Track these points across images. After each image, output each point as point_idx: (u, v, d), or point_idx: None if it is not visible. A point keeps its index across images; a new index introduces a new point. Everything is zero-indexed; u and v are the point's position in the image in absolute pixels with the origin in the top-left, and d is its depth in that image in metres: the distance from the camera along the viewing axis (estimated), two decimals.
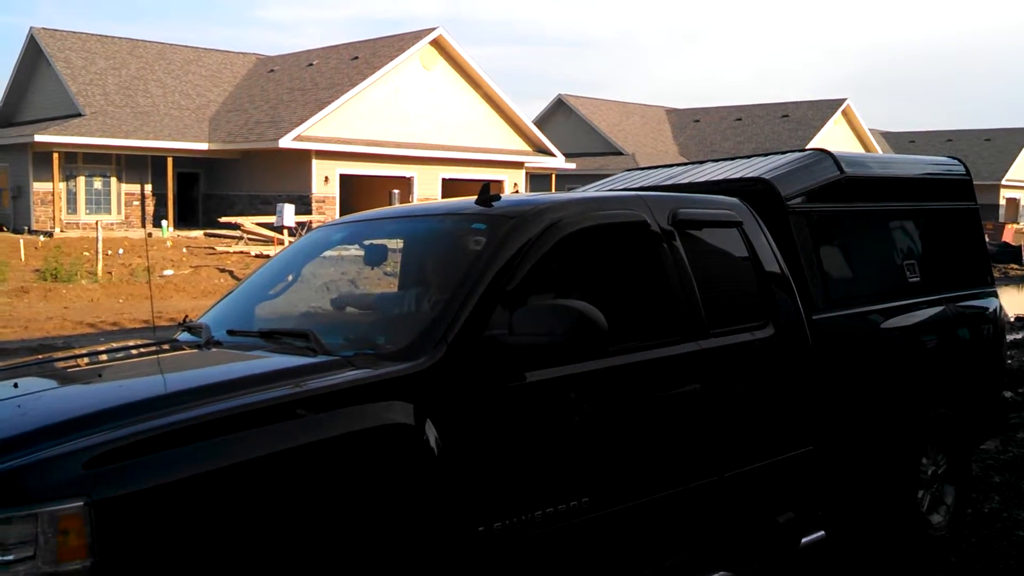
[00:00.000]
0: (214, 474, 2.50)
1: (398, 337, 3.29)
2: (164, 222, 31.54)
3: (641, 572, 3.62)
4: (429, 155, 33.34)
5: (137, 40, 37.63)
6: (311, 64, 36.24)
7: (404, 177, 33.39)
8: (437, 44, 33.71)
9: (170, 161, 32.16)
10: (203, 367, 3.39)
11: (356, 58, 34.30)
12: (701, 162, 5.57)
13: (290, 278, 4.29)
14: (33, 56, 35.84)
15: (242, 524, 2.53)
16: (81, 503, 2.32)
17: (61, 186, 31.55)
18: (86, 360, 3.64)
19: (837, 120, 46.94)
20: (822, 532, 4.38)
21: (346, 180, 32.20)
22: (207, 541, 2.47)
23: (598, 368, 3.44)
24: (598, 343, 3.13)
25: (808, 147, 5.37)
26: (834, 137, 44.83)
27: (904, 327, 5.00)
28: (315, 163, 31.27)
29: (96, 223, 24.77)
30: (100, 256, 22.23)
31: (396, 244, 4.31)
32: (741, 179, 4.78)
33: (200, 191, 35.66)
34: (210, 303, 4.33)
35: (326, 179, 31.46)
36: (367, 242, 4.19)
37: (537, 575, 3.28)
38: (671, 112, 53.90)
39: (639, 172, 5.82)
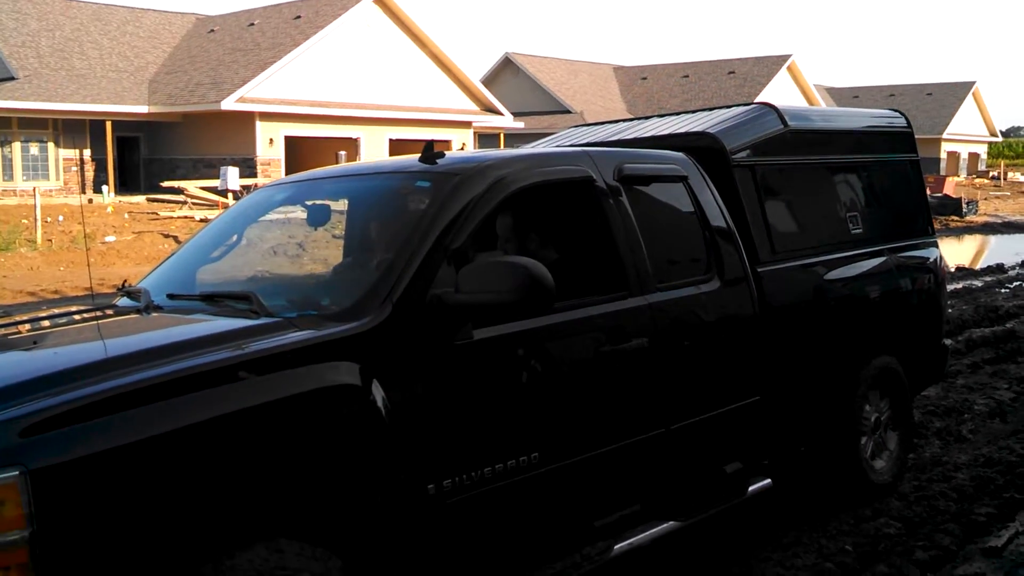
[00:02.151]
0: (153, 440, 2.45)
1: (342, 298, 3.24)
2: (105, 188, 30.79)
3: (591, 524, 3.65)
4: (375, 115, 32.90)
5: (71, 1, 36.47)
6: (252, 24, 35.44)
7: (351, 138, 32.95)
8: (381, 2, 33.15)
9: (109, 125, 31.32)
10: (142, 332, 3.32)
11: (299, 17, 33.61)
12: (647, 117, 5.56)
13: (232, 240, 4.21)
14: None
15: (184, 490, 2.49)
16: (16, 472, 2.26)
17: None
18: (21, 327, 3.54)
19: (782, 76, 47.23)
20: (768, 480, 4.46)
21: (292, 142, 31.68)
22: (149, 508, 2.43)
23: (545, 324, 3.44)
24: (543, 300, 3.12)
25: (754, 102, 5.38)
26: (780, 92, 45.11)
27: (847, 278, 5.07)
28: (259, 125, 30.69)
29: (33, 190, 24.07)
30: (39, 223, 21.68)
31: (341, 205, 4.25)
32: (686, 134, 4.79)
33: (141, 155, 34.85)
34: None
35: (271, 141, 30.91)
36: (309, 203, 4.12)
37: (489, 530, 3.30)
38: (619, 70, 53.77)
39: (585, 128, 5.79)
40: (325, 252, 3.87)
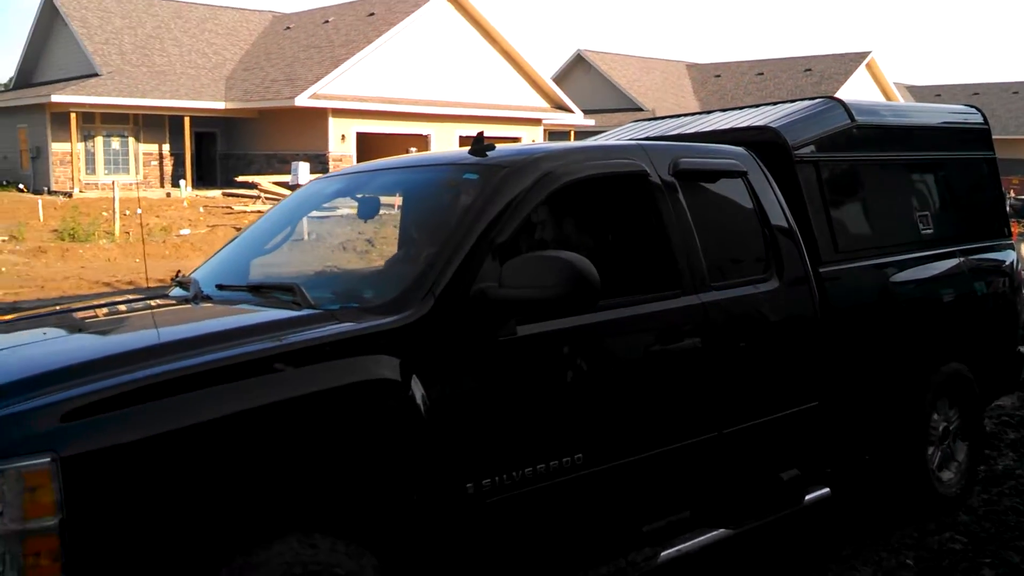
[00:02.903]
0: (187, 431, 2.44)
1: (386, 291, 3.20)
2: (182, 182, 31.55)
3: (638, 529, 3.55)
4: (446, 112, 33.08)
5: None
6: (327, 21, 35.93)
7: (421, 135, 33.20)
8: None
9: (187, 120, 32.08)
10: (184, 322, 3.33)
11: (372, 14, 33.96)
12: (709, 112, 5.41)
13: (285, 231, 4.20)
14: (49, 16, 35.74)
15: (215, 481, 2.47)
16: (48, 459, 2.26)
17: (79, 146, 31.59)
18: (71, 315, 3.58)
19: (861, 73, 46.11)
20: (827, 489, 4.30)
21: (363, 138, 32.03)
22: (180, 499, 2.41)
23: (593, 322, 3.35)
24: (588, 296, 3.03)
25: None
26: (858, 90, 44.06)
27: (916, 280, 4.86)
28: (331, 121, 31.12)
29: (112, 183, 24.76)
30: (117, 216, 22.27)
31: (391, 199, 4.22)
32: (747, 128, 4.64)
33: (218, 150, 35.60)
34: None
35: (343, 137, 31.31)
36: (359, 195, 4.09)
37: (529, 532, 3.22)
38: (692, 67, 53.15)
39: (646, 123, 5.67)
40: (375, 245, 3.83)
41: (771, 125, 4.51)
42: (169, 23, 36.36)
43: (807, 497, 4.17)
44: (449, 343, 3.01)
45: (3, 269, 16.36)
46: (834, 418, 4.31)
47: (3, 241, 19.73)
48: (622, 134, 5.43)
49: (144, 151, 33.88)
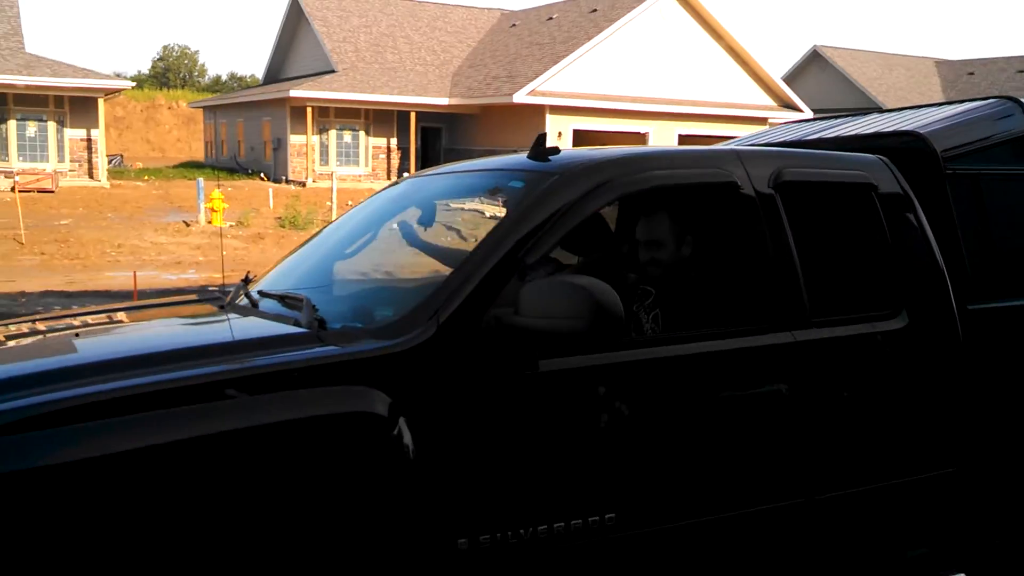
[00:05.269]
0: (104, 459, 2.19)
1: (395, 311, 2.84)
2: (406, 174, 32.68)
3: None
4: (665, 110, 32.28)
5: None
6: (551, 18, 36.06)
7: (639, 132, 32.62)
8: None
9: (413, 116, 33.20)
10: (172, 334, 3.13)
11: (595, 11, 33.71)
12: (865, 111, 4.66)
13: (362, 237, 3.93)
14: (295, 16, 38.14)
15: (136, 518, 2.20)
16: None
17: (314, 139, 33.48)
18: (78, 320, 3.41)
19: None
20: (963, 575, 3.54)
21: (580, 135, 31.86)
22: (96, 534, 2.17)
23: (638, 359, 2.86)
24: (608, 331, 2.55)
25: None
26: None
27: None
28: (549, 118, 31.15)
29: (331, 174, 26.02)
30: (335, 205, 23.32)
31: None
32: (890, 134, 3.91)
33: (442, 145, 36.65)
34: None
35: (559, 134, 31.26)
36: (417, 203, 3.76)
37: None
38: (941, 64, 49.12)
39: (796, 124, 4.99)
40: (426, 257, 3.50)
41: (917, 130, 3.76)
42: (402, 21, 37.82)
43: None
44: (452, 375, 2.62)
45: (225, 252, 17.46)
46: (975, 488, 3.53)
47: (231, 226, 21.11)
48: (761, 138, 4.79)
49: (373, 144, 35.40)
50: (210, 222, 21.11)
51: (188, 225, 21.17)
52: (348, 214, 3.99)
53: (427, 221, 3.65)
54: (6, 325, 3.27)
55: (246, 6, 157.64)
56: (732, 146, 3.75)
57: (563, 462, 2.75)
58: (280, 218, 22.52)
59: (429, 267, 3.77)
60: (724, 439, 3.00)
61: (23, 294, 12.26)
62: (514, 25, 38.13)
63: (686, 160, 3.30)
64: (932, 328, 3.45)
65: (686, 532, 2.93)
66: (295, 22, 38.42)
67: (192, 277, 14.41)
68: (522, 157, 3.30)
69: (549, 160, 3.18)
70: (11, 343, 2.98)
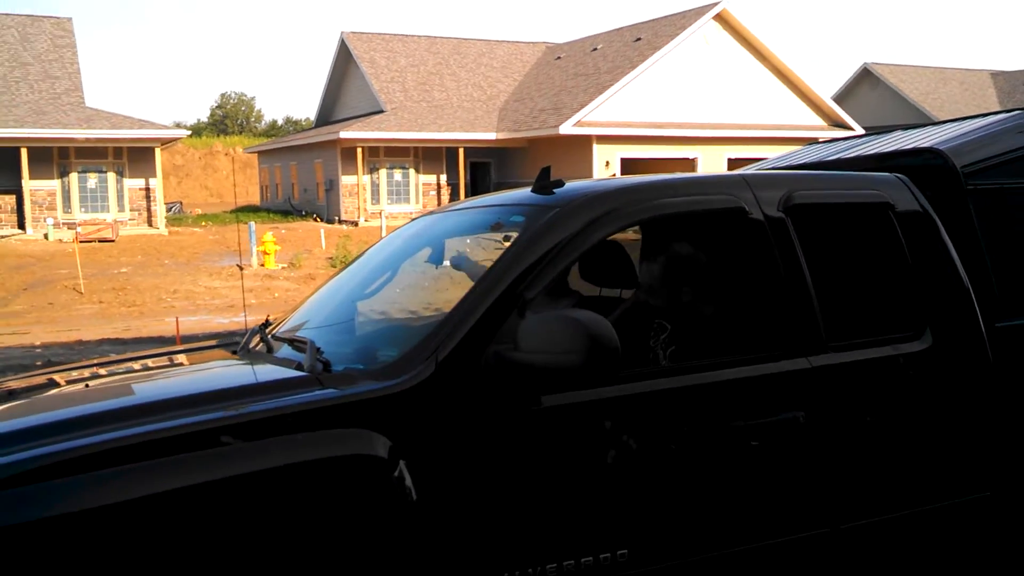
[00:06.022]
0: (98, 512, 2.21)
1: (396, 352, 2.84)
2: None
3: None
4: (713, 134, 32.12)
5: (434, 37, 39.64)
6: (595, 48, 36.21)
7: (687, 158, 32.47)
8: (721, 19, 32.36)
9: (461, 152, 33.51)
10: (173, 381, 3.15)
11: (639, 39, 33.78)
12: (890, 129, 4.58)
13: (380, 277, 3.95)
14: (343, 60, 38.87)
15: (135, 567, 2.22)
16: None
17: (365, 179, 33.93)
18: (88, 371, 3.45)
19: None
20: None
21: (628, 164, 31.83)
22: None
23: (648, 391, 2.81)
24: (604, 364, 2.51)
25: None
26: None
27: None
28: (596, 148, 31.19)
29: (380, 212, 26.29)
30: None
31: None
32: (911, 151, 3.82)
33: (492, 179, 36.88)
34: None
35: (607, 163, 31.26)
36: (427, 240, 3.76)
37: None
38: (997, 75, 48.14)
39: (819, 146, 4.92)
40: (440, 295, 3.49)
41: (936, 146, 3.68)
42: (448, 59, 38.29)
43: None
44: (453, 414, 2.60)
45: (276, 294, 17.72)
46: (1014, 512, 3.40)
47: (283, 268, 21.45)
48: (780, 161, 4.72)
49: (423, 181, 35.76)
50: (263, 264, 21.47)
51: (241, 269, 21.55)
52: (368, 252, 4.02)
53: (436, 260, 3.65)
54: (25, 377, 3.34)
55: (299, 51, 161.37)
56: (750, 170, 3.69)
57: (571, 499, 2.71)
58: (331, 258, 22.80)
59: (446, 304, 3.78)
60: (739, 469, 2.93)
61: (80, 342, 12.56)
62: (559, 57, 38.36)
63: (691, 187, 3.26)
64: (959, 348, 3.35)
65: (706, 566, 2.86)
66: (344, 65, 39.14)
67: (241, 320, 14.63)
68: (526, 192, 3.29)
69: (553, 193, 3.17)
70: (21, 396, 3.04)
